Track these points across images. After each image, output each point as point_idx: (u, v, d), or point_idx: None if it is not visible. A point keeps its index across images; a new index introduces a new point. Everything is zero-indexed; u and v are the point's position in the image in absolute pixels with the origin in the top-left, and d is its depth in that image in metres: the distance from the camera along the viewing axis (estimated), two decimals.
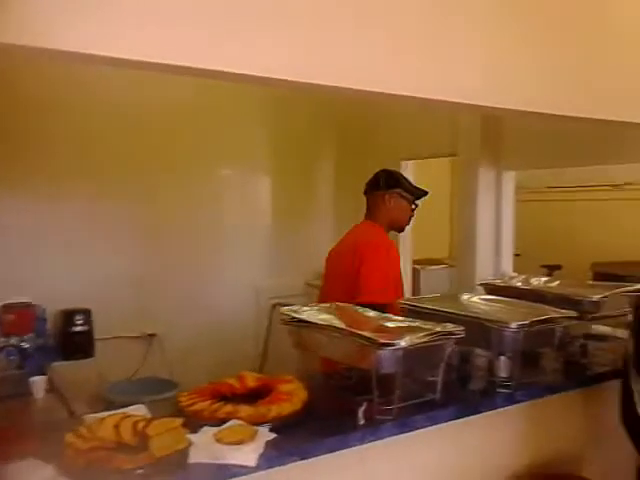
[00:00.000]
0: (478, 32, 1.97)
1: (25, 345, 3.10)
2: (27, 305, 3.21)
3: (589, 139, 3.06)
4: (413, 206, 2.72)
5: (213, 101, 3.83)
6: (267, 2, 1.50)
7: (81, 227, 3.60)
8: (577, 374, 2.18)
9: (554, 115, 2.22)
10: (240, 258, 4.19)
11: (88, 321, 3.38)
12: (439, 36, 1.87)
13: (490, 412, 1.89)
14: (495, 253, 3.66)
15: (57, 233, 3.53)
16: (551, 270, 5.24)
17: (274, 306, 4.00)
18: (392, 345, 1.58)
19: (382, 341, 1.58)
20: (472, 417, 1.85)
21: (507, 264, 3.68)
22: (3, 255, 3.30)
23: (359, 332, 1.64)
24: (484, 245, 3.63)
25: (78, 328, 3.35)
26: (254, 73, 1.50)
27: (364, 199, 4.77)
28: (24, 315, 3.19)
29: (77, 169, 3.58)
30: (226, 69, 1.46)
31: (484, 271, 3.58)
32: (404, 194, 2.68)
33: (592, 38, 2.25)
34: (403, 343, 1.59)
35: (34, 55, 1.33)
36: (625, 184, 4.94)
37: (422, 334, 1.65)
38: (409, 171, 4.21)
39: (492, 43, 2.01)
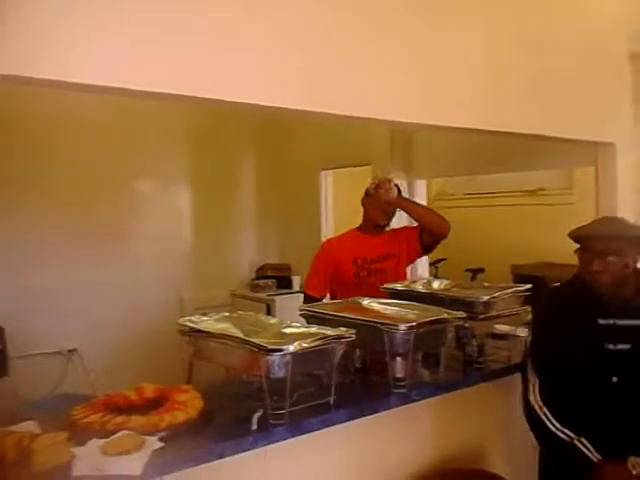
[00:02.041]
0: (390, 54, 2.10)
1: None
2: None
3: (497, 148, 3.22)
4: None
5: (132, 113, 3.81)
6: None
7: None
8: (473, 372, 2.27)
9: (459, 128, 2.37)
10: (163, 270, 4.18)
11: (1, 339, 3.29)
12: (352, 55, 1.99)
13: (387, 412, 1.96)
14: None
15: None
16: (475, 273, 5.43)
17: None
18: (280, 350, 1.64)
19: (270, 347, 1.63)
20: (369, 417, 1.91)
21: (423, 269, 3.82)
22: None
23: (249, 339, 1.69)
24: None
25: None
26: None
27: (286, 208, 4.87)
28: None
29: None
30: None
31: None
32: (370, 192, 2.88)
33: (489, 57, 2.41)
34: (291, 348, 1.65)
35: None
36: (538, 190, 5.20)
37: (311, 339, 1.72)
38: (329, 180, 4.32)
39: (401, 63, 2.14)
